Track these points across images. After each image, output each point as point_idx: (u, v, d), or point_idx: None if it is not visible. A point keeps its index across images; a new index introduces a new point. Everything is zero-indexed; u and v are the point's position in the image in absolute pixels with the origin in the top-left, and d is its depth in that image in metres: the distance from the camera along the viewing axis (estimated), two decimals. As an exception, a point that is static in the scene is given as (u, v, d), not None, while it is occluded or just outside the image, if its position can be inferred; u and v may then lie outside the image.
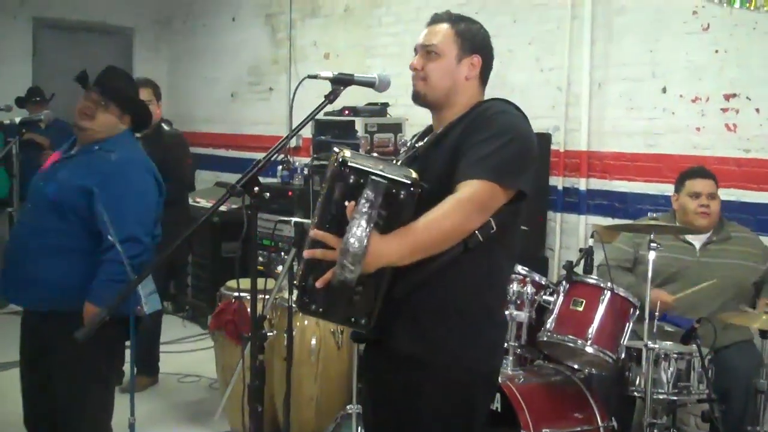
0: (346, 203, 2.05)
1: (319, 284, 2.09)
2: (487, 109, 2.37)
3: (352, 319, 2.18)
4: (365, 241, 1.99)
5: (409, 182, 2.10)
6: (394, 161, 2.50)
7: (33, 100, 7.16)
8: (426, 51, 2.43)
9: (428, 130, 2.55)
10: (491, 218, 2.23)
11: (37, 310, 3.29)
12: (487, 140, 2.25)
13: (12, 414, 3.62)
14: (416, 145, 2.49)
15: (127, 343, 3.24)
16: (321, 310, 2.15)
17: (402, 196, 2.08)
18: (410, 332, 2.30)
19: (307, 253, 2.12)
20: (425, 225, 2.13)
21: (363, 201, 2.01)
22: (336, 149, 2.21)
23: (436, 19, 2.48)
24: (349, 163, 2.07)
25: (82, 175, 3.18)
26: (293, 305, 2.19)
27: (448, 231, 2.17)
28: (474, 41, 2.46)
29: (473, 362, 2.34)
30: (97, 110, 3.27)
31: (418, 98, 2.47)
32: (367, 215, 2.00)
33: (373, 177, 2.04)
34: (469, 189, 2.18)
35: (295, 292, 2.18)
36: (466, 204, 2.17)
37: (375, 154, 2.52)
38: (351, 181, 2.06)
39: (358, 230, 1.99)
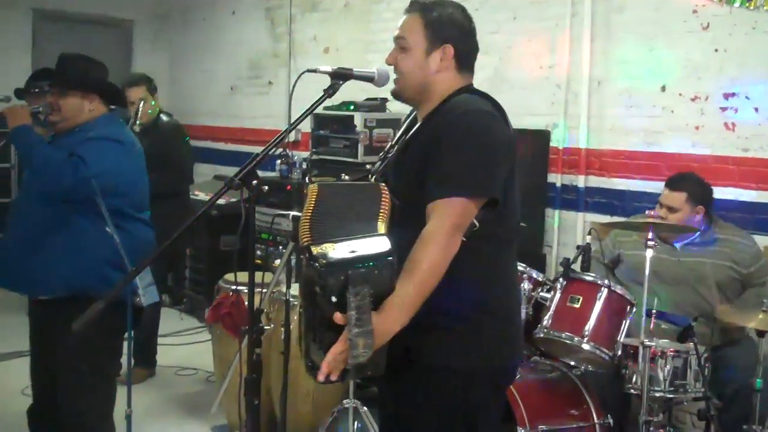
0: (333, 299, 1.97)
1: (334, 378, 2.05)
2: (452, 109, 2.29)
3: (369, 372, 2.13)
4: (370, 332, 1.93)
5: (386, 251, 2.02)
6: (369, 172, 2.47)
7: (32, 92, 7.14)
8: (398, 44, 2.40)
9: (410, 124, 2.49)
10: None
11: (36, 298, 3.31)
12: (448, 152, 2.19)
13: (11, 404, 3.63)
14: (394, 145, 2.46)
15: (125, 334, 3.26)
16: (335, 379, 2.09)
17: (385, 273, 2.02)
18: (406, 338, 2.22)
19: (322, 378, 2.05)
20: (408, 282, 2.08)
21: (352, 297, 1.93)
22: (309, 181, 2.19)
23: (410, 8, 2.42)
24: (328, 262, 1.98)
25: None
26: (308, 373, 2.16)
27: (433, 271, 2.11)
28: (443, 30, 2.36)
29: (471, 361, 2.30)
30: (58, 101, 3.33)
31: (397, 97, 2.44)
32: (362, 309, 1.92)
33: (353, 273, 1.95)
34: (435, 218, 2.13)
35: (305, 364, 2.15)
36: (436, 237, 2.12)
37: (346, 177, 2.48)
38: (332, 283, 1.96)
39: (361, 323, 1.91)
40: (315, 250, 2.01)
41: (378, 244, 2.04)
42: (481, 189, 2.20)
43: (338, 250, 2.00)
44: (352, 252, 2.00)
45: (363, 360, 1.95)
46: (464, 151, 2.19)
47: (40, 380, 3.45)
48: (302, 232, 2.08)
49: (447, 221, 2.13)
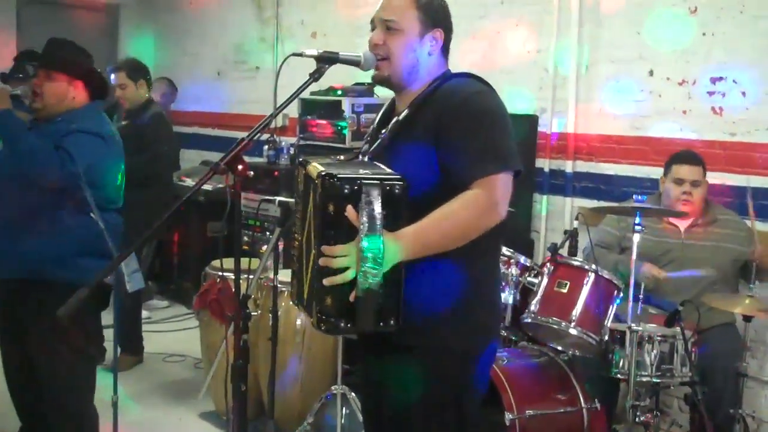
0: (346, 213, 2.03)
1: (351, 298, 2.04)
2: (454, 91, 2.31)
3: (381, 323, 2.11)
4: (381, 241, 1.99)
5: (398, 176, 2.10)
6: (359, 153, 2.46)
7: (16, 77, 7.09)
8: (386, 26, 2.36)
9: (389, 111, 2.49)
10: None
11: (9, 279, 3.29)
12: (475, 130, 2.22)
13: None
14: (380, 133, 2.42)
15: (110, 322, 3.24)
16: (350, 325, 2.09)
17: (397, 191, 2.07)
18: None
19: (328, 281, 2.04)
20: (436, 220, 2.12)
21: (364, 205, 2.00)
22: (301, 160, 2.23)
23: None
24: (339, 175, 2.04)
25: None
26: (319, 329, 2.15)
27: (463, 227, 2.16)
28: (436, 15, 2.39)
29: (459, 343, 2.33)
30: (43, 84, 3.29)
31: (382, 81, 2.42)
32: (374, 216, 1.99)
33: (366, 181, 2.03)
34: (484, 187, 2.16)
35: (315, 319, 2.12)
36: (479, 201, 2.15)
37: (341, 157, 2.49)
38: (346, 191, 2.03)
39: (371, 233, 1.98)
40: (329, 171, 2.07)
41: (388, 171, 2.14)
42: (515, 161, 2.25)
43: (349, 173, 2.08)
44: (366, 172, 2.09)
45: (374, 281, 1.99)
46: (489, 129, 2.24)
47: (13, 364, 3.43)
48: (314, 171, 2.13)
49: (494, 193, 2.18)
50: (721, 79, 4.46)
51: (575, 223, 4.08)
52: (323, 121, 5.77)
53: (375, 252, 1.98)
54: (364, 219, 1.99)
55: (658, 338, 3.57)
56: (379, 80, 2.42)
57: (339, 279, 2.03)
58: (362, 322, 2.08)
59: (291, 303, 4.02)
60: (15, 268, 3.21)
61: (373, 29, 2.41)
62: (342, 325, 2.09)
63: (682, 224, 4.13)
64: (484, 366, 2.46)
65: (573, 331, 3.54)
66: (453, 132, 2.23)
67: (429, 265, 2.19)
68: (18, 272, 3.22)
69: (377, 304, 2.06)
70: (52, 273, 3.13)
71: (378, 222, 1.99)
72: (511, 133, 2.29)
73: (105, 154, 3.27)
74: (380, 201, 2.02)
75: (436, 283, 2.27)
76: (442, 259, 2.20)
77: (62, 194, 3.16)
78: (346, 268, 2.03)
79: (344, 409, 3.96)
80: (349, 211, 2.02)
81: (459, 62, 2.49)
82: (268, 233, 5.85)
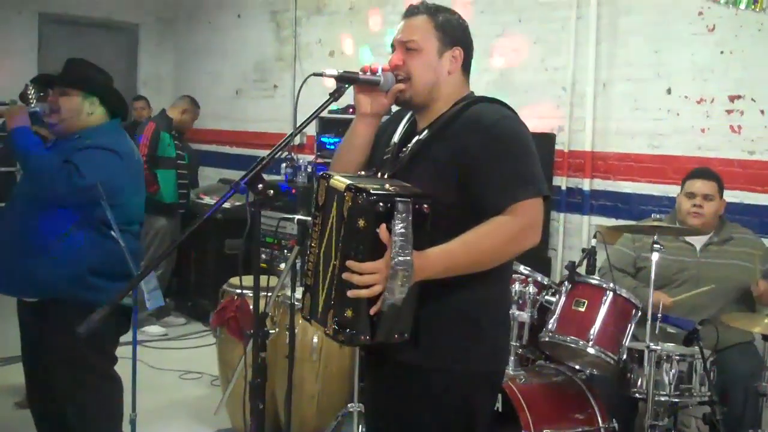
0: (377, 230, 2.05)
1: (372, 312, 2.08)
2: (482, 117, 2.30)
3: (396, 335, 2.17)
4: (410, 263, 2.03)
5: (424, 194, 2.14)
6: (378, 171, 2.46)
7: (39, 95, 7.16)
8: (405, 47, 2.37)
9: (410, 128, 2.46)
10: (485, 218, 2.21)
11: (25, 300, 3.30)
12: (505, 157, 2.23)
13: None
14: (401, 150, 2.40)
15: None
16: (368, 337, 2.13)
17: (425, 209, 2.11)
18: (408, 341, 2.24)
19: (353, 293, 2.06)
20: (465, 244, 2.15)
21: (398, 223, 2.03)
22: (324, 174, 2.23)
23: (412, 12, 2.39)
24: (373, 191, 2.06)
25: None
26: (336, 340, 2.17)
27: (491, 253, 2.19)
28: (454, 33, 2.38)
29: (473, 364, 2.32)
30: (59, 100, 3.31)
31: (404, 103, 2.42)
32: (406, 234, 2.03)
33: (399, 199, 2.06)
34: (516, 213, 2.17)
35: (332, 329, 2.14)
36: (513, 228, 2.17)
37: (362, 172, 2.48)
38: (380, 208, 2.05)
39: (403, 252, 2.02)
40: (359, 185, 2.08)
41: (414, 189, 2.16)
42: (546, 188, 2.27)
43: (380, 189, 2.09)
44: (395, 188, 2.11)
45: (399, 297, 2.04)
46: (520, 155, 2.25)
47: (35, 389, 3.43)
48: (341, 185, 2.13)
49: (526, 219, 2.20)
50: (739, 97, 4.45)
51: (593, 242, 4.06)
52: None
53: (405, 270, 2.02)
54: (397, 237, 2.02)
55: (677, 357, 3.55)
56: (400, 102, 2.42)
57: (365, 293, 2.06)
58: (380, 334, 2.13)
59: (302, 318, 4.05)
60: (32, 288, 3.23)
61: (393, 53, 2.42)
62: (362, 337, 2.12)
63: (698, 243, 4.11)
64: (494, 387, 2.47)
65: (591, 350, 3.53)
66: (482, 158, 2.23)
67: (444, 284, 2.19)
68: (36, 292, 3.24)
69: (396, 318, 2.11)
70: (68, 293, 3.14)
71: (409, 240, 2.03)
72: (537, 158, 2.30)
73: (119, 170, 3.25)
74: (411, 219, 2.05)
75: (450, 304, 2.27)
76: (457, 279, 2.20)
77: (77, 212, 3.17)
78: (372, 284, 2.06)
79: (360, 426, 3.95)
80: (382, 229, 2.05)
81: (476, 81, 2.49)
82: (285, 251, 5.86)
